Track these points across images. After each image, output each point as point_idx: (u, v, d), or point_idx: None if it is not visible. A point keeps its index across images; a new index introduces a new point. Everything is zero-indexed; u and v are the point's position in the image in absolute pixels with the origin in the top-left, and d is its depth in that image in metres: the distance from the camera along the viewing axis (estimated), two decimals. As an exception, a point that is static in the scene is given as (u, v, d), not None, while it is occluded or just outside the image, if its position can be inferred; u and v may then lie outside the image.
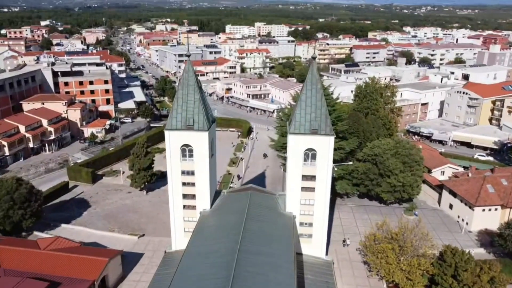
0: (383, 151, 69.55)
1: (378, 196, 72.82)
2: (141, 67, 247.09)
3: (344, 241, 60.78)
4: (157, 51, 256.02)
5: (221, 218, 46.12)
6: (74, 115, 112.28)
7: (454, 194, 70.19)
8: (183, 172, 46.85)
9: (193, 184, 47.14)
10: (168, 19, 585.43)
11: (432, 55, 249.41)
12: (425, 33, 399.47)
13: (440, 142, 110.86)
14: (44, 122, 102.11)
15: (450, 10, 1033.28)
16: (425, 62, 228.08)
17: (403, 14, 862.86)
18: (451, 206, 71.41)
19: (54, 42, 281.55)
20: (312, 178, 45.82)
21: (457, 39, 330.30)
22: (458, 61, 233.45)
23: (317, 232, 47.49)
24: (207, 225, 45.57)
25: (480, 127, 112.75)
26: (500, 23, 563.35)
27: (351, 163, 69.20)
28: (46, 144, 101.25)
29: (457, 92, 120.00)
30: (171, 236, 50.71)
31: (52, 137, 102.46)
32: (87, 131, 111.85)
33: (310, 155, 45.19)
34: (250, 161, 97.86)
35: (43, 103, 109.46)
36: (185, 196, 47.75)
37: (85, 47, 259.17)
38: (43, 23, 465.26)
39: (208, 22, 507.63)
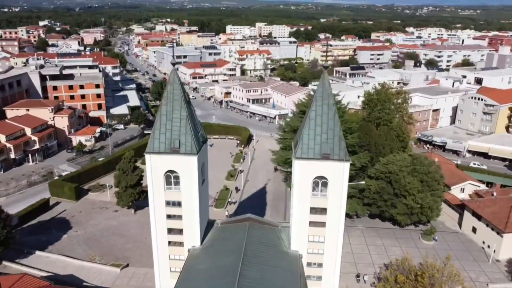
0: (399, 168, 61.89)
1: (392, 217, 65.19)
2: (137, 69, 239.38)
3: (358, 276, 53.03)
4: (154, 52, 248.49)
5: (213, 259, 38.45)
6: (62, 122, 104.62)
7: (478, 217, 62.48)
8: (167, 203, 39.22)
9: (179, 217, 39.50)
10: (168, 19, 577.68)
11: (438, 56, 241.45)
12: (429, 34, 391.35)
13: (454, 152, 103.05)
14: (28, 131, 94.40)
15: (452, 10, 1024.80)
16: (432, 64, 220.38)
17: (404, 15, 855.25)
18: (474, 230, 63.69)
19: (50, 43, 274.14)
20: (323, 211, 38.18)
21: (463, 40, 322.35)
22: (466, 63, 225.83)
23: (328, 274, 39.79)
24: (196, 267, 37.93)
25: (497, 136, 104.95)
26: (503, 24, 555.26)
27: (363, 182, 61.49)
28: (30, 155, 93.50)
29: (472, 97, 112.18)
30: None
31: (36, 146, 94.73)
32: (76, 139, 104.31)
33: (320, 184, 37.54)
34: (250, 174, 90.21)
35: (28, 110, 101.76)
36: (170, 230, 40.11)
37: (82, 48, 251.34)
38: (41, 23, 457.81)
39: (209, 23, 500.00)
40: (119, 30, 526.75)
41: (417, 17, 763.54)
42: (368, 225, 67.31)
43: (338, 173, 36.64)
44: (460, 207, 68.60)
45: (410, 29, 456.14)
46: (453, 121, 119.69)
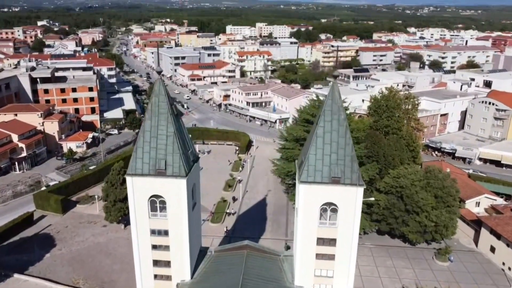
0: (411, 182, 56.75)
1: (402, 233, 60.05)
2: (135, 71, 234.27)
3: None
4: (152, 53, 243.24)
5: (205, 298, 33.37)
6: (51, 127, 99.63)
7: (497, 235, 57.33)
8: (153, 232, 34.14)
9: (167, 248, 34.40)
10: (168, 20, 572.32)
11: (443, 58, 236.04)
12: (432, 34, 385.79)
13: (462, 159, 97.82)
14: (15, 137, 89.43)
15: (453, 10, 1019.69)
16: (436, 66, 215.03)
17: (405, 15, 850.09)
18: (493, 249, 58.54)
19: (47, 43, 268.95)
20: (331, 242, 33.08)
21: (466, 41, 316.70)
22: (471, 64, 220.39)
23: (338, 314, 34.63)
24: (185, 307, 32.85)
25: (509, 142, 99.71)
26: (505, 24, 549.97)
27: (372, 199, 56.35)
28: (16, 163, 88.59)
29: (482, 102, 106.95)
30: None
31: (24, 154, 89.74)
32: (66, 146, 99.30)
33: (329, 211, 32.41)
34: (249, 183, 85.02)
35: (16, 115, 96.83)
36: (156, 262, 35.01)
37: (79, 49, 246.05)
38: (39, 23, 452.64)
39: (209, 23, 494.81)
40: (118, 30, 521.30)
41: (418, 17, 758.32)
42: (377, 243, 62.14)
43: (350, 199, 31.54)
44: (475, 223, 63.48)
45: (412, 30, 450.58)
46: (461, 126, 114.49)
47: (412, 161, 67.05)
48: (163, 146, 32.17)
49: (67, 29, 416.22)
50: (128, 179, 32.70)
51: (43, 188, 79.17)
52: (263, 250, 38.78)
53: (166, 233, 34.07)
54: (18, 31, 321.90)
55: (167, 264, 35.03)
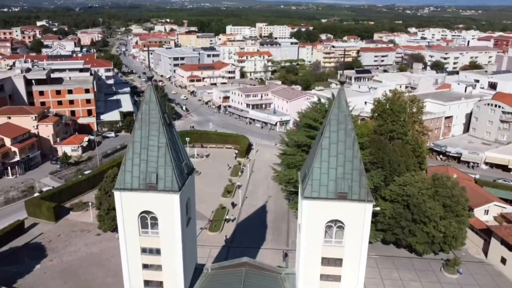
0: (418, 191, 54.16)
1: (409, 244, 57.48)
2: (133, 71, 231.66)
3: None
4: (151, 53, 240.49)
5: (200, 322, 30.77)
6: (46, 130, 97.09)
7: (509, 246, 54.73)
8: (143, 250, 31.52)
9: (159, 267, 31.79)
10: (168, 20, 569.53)
11: (445, 58, 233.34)
12: (433, 35, 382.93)
13: (467, 163, 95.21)
14: (7, 141, 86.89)
15: (453, 10, 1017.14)
16: (438, 66, 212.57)
17: (405, 15, 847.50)
18: (503, 261, 55.93)
19: (46, 44, 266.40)
20: (337, 262, 30.47)
21: (468, 41, 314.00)
22: (474, 65, 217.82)
23: None
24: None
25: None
26: (505, 24, 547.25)
27: (378, 208, 53.75)
28: (9, 167, 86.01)
29: (487, 104, 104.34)
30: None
31: (17, 158, 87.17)
32: (61, 149, 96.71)
33: (334, 229, 29.82)
34: (249, 189, 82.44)
35: (9, 117, 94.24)
36: (147, 283, 32.39)
37: (78, 49, 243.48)
38: (39, 23, 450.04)
39: (209, 23, 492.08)
40: (117, 31, 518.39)
41: (418, 17, 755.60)
42: (382, 254, 59.52)
43: (358, 216, 28.95)
44: (484, 232, 60.88)
45: (412, 30, 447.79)
46: (466, 129, 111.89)
47: (418, 167, 64.40)
48: (154, 158, 29.57)
49: (66, 29, 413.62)
50: (116, 194, 30.11)
51: (36, 194, 76.68)
52: (263, 268, 36.16)
53: (158, 251, 31.46)
54: (16, 31, 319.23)
55: (159, 284, 32.44)
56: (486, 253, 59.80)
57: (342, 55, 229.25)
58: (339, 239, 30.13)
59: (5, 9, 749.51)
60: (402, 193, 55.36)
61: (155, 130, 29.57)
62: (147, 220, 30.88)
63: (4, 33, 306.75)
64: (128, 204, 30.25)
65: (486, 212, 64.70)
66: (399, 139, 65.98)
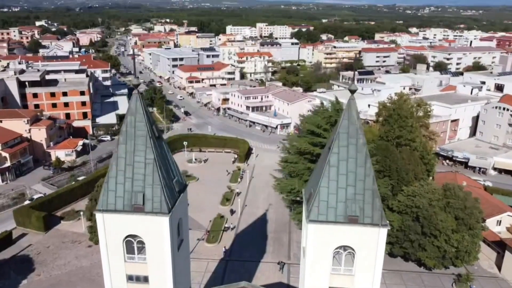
0: (429, 202, 50.84)
1: (418, 258, 54.20)
2: (132, 72, 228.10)
3: None
4: (150, 54, 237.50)
5: None
6: (39, 134, 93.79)
7: (525, 261, 51.44)
8: (130, 278, 28.19)
9: (147, 297, 28.49)
10: (168, 20, 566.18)
11: (448, 59, 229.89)
12: (435, 35, 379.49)
13: (473, 168, 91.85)
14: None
15: (454, 10, 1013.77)
16: (441, 67, 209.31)
17: (406, 15, 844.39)
18: (519, 276, 52.64)
19: (44, 44, 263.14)
20: (347, 292, 27.12)
21: (471, 42, 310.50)
22: (477, 66, 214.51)
23: None
24: None
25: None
26: (506, 24, 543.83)
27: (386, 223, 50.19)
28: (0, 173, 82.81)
29: (495, 107, 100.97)
30: None
31: (8, 164, 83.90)
32: (55, 154, 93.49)
33: (344, 255, 26.48)
34: (248, 197, 79.17)
35: (0, 121, 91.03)
36: (135, 313, 29.10)
37: (76, 49, 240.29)
38: (38, 23, 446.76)
39: (209, 23, 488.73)
40: (117, 31, 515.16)
41: (419, 18, 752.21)
42: (390, 268, 56.10)
43: (371, 242, 25.61)
44: (497, 244, 57.60)
45: (413, 30, 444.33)
46: (473, 132, 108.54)
47: (427, 175, 61.09)
48: (140, 176, 26.22)
49: (65, 29, 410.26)
50: (98, 216, 26.74)
51: (27, 202, 73.38)
52: (263, 294, 32.84)
53: (145, 279, 28.12)
54: (14, 31, 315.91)
55: (148, 315, 29.07)
56: (499, 267, 56.54)
57: (352, 58, 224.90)
58: (349, 267, 26.79)
59: (5, 9, 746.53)
60: (411, 205, 52.05)
61: (141, 145, 26.23)
62: (133, 244, 27.52)
63: (2, 34, 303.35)
64: (111, 227, 26.90)
65: (499, 222, 61.43)
66: (406, 146, 62.65)
